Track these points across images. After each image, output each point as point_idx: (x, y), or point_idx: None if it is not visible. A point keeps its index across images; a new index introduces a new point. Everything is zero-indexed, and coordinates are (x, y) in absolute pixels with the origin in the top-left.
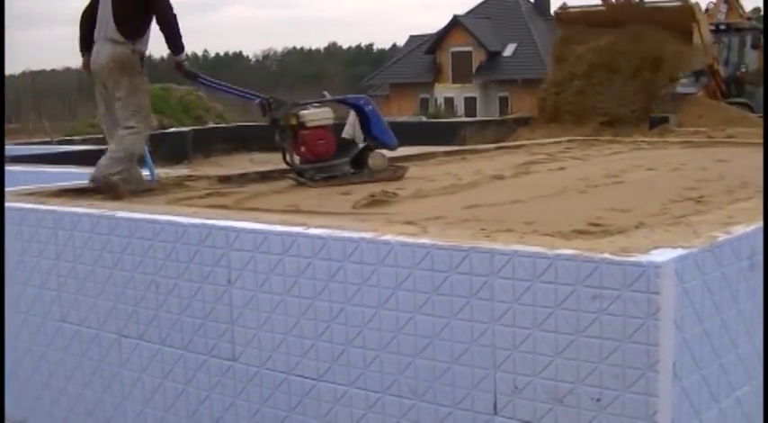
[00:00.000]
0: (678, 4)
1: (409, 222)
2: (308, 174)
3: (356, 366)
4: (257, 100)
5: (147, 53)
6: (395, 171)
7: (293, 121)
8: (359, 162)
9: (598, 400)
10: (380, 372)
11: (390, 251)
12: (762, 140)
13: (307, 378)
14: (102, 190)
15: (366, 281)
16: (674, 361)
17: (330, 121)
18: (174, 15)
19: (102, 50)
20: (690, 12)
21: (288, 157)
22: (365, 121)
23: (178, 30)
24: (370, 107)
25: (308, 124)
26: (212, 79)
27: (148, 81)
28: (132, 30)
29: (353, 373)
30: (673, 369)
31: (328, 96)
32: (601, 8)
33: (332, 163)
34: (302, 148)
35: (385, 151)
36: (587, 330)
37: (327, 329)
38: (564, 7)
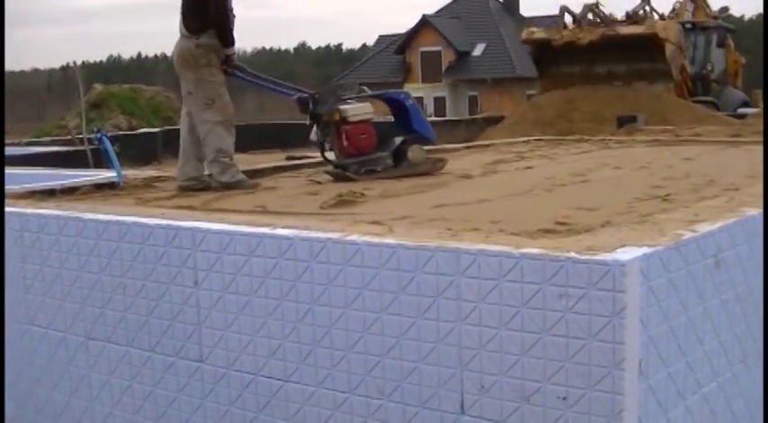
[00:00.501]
0: (642, 30)
1: (376, 222)
2: (351, 168)
3: (324, 367)
4: (296, 95)
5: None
6: (434, 163)
7: (336, 117)
8: (398, 155)
9: (564, 398)
10: (348, 372)
11: (357, 251)
12: (726, 139)
13: (274, 379)
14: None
15: (333, 281)
16: (641, 359)
17: (371, 116)
18: (228, 9)
19: (175, 46)
20: (654, 37)
21: (332, 153)
22: (405, 114)
23: (228, 24)
24: (411, 101)
25: (351, 119)
26: (258, 74)
27: (220, 72)
28: (195, 23)
29: (321, 374)
30: (639, 367)
31: (368, 91)
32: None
33: (373, 156)
34: (345, 143)
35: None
36: (553, 329)
37: (294, 330)
38: (529, 34)
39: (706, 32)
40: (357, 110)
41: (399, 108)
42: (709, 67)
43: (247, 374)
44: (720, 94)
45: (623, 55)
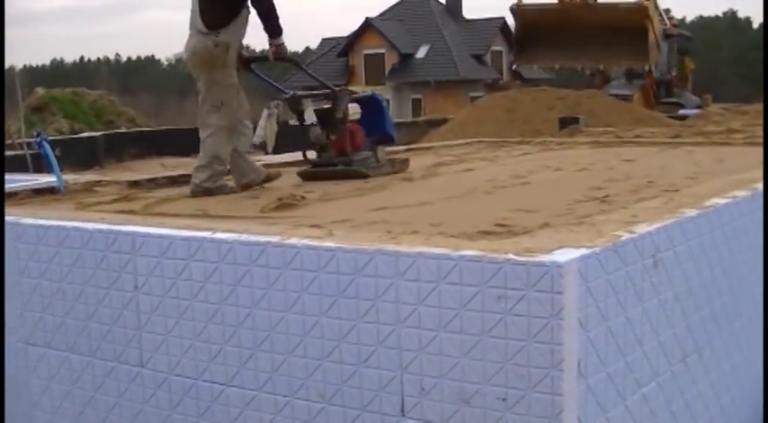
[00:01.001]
0: (632, 3)
1: (316, 226)
2: (361, 165)
3: (264, 370)
4: (290, 93)
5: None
6: (402, 162)
7: (344, 115)
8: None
9: (504, 399)
10: (288, 376)
11: (296, 255)
12: (667, 141)
13: (215, 383)
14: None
15: (272, 285)
16: (579, 360)
17: (359, 116)
18: None
19: (188, 42)
20: (644, 11)
21: (313, 152)
22: (381, 116)
23: (275, 10)
24: (384, 103)
25: (351, 117)
26: (308, 69)
27: (234, 74)
28: (215, 18)
29: (262, 378)
30: (578, 368)
31: (368, 92)
32: (555, 6)
33: (363, 156)
34: (352, 141)
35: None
36: (492, 331)
37: (235, 334)
38: (520, 4)
39: (670, 40)
40: (353, 109)
41: (377, 109)
42: (673, 73)
43: (188, 379)
44: (681, 96)
45: (605, 46)
